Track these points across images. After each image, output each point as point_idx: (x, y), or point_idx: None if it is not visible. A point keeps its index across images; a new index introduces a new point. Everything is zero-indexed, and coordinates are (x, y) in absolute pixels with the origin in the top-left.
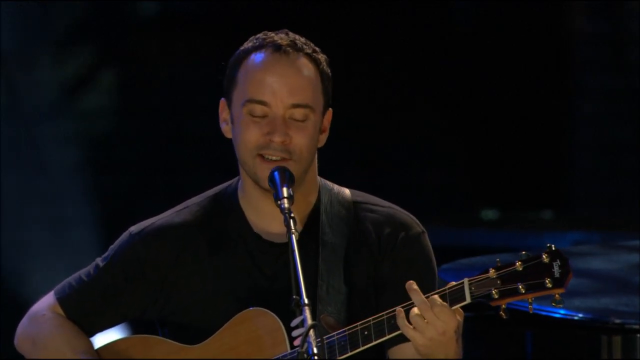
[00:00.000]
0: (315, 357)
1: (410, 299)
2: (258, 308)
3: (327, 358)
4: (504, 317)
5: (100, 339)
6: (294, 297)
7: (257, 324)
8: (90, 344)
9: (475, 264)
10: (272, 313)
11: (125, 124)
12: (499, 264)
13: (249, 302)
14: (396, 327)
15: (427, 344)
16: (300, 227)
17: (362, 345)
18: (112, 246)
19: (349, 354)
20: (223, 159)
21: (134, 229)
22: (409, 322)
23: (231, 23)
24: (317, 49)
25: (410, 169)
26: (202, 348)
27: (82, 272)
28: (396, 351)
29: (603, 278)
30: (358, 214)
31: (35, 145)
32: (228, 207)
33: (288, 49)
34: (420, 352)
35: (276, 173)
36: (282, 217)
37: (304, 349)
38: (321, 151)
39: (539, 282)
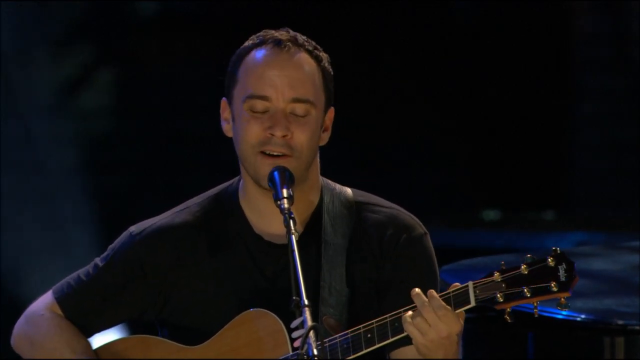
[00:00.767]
0: (316, 359)
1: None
2: (259, 309)
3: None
4: (509, 321)
5: (99, 339)
6: (294, 298)
7: (258, 325)
8: (89, 345)
9: (476, 264)
10: (273, 314)
11: (125, 124)
12: (503, 267)
13: (249, 304)
14: (399, 331)
15: (428, 345)
16: (302, 227)
17: (365, 348)
18: (111, 246)
19: (352, 356)
20: (223, 159)
21: (134, 229)
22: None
23: (231, 23)
24: (318, 46)
25: (411, 169)
26: (202, 349)
27: (81, 272)
28: (398, 354)
29: (605, 279)
30: (360, 214)
31: (34, 145)
32: (228, 208)
33: (288, 44)
34: (420, 351)
35: (276, 173)
36: (282, 217)
37: (304, 351)
38: (321, 151)
39: (544, 285)
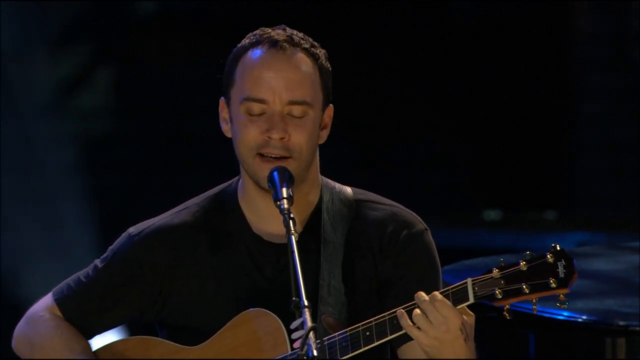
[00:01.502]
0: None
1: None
2: (258, 309)
3: (328, 359)
4: (508, 318)
5: (99, 340)
6: (294, 298)
7: (257, 325)
8: (88, 345)
9: (477, 264)
10: (272, 314)
11: (124, 124)
12: (502, 264)
13: (249, 304)
14: (398, 328)
15: (433, 344)
16: (301, 226)
17: (364, 346)
18: (111, 247)
19: (350, 354)
20: (223, 159)
21: (133, 230)
22: (412, 322)
23: (231, 23)
24: (315, 43)
25: (412, 169)
26: (202, 349)
27: (80, 274)
28: (405, 350)
29: (606, 279)
30: (360, 212)
31: (33, 145)
32: (228, 208)
33: (285, 44)
34: (428, 353)
35: (275, 173)
36: (282, 217)
37: (303, 352)
38: (321, 150)
39: (543, 282)
